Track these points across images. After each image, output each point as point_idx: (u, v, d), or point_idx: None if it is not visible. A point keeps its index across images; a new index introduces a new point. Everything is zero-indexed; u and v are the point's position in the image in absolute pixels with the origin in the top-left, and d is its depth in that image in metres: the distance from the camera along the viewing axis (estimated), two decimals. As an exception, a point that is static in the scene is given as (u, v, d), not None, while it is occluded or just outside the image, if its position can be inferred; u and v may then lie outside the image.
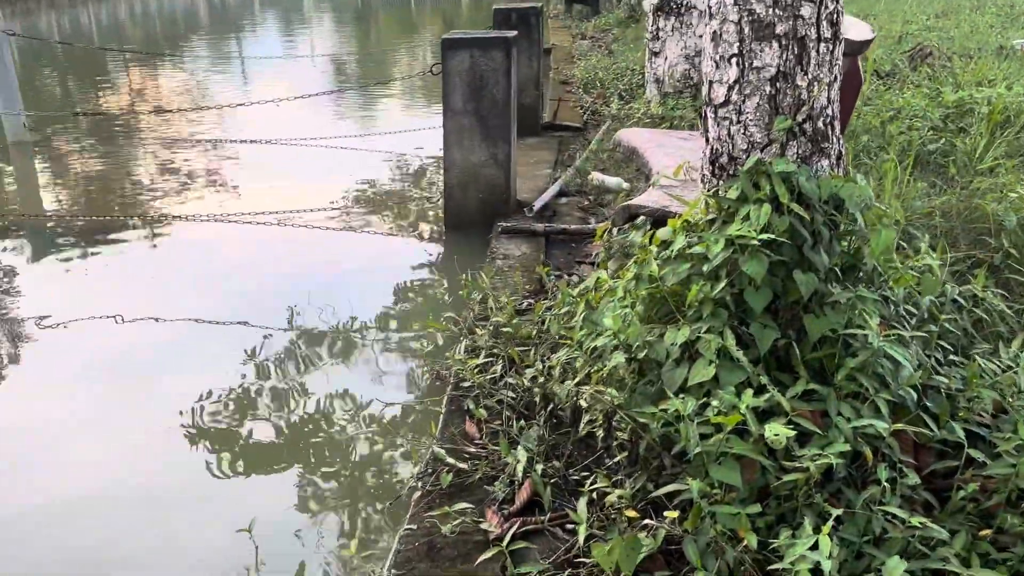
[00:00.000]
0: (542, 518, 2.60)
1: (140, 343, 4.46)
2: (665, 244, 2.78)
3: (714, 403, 2.28)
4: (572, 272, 4.62)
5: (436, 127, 5.93)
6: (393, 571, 2.45)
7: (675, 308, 2.63)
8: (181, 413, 3.74)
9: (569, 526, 2.57)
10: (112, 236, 6.10)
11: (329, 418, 3.76)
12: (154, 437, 3.60)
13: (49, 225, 6.47)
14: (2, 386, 4.11)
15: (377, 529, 3.00)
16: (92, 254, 5.80)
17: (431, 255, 5.72)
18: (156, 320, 4.67)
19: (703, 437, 2.25)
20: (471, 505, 2.67)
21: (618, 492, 2.44)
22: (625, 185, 5.71)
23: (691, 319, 2.54)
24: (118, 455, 3.48)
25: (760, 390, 2.35)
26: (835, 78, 2.64)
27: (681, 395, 2.36)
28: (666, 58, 7.70)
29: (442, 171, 5.70)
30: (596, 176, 5.91)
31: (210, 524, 3.06)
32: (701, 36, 7.40)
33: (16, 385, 4.13)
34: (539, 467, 2.77)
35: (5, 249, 5.91)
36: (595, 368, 2.72)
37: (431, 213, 6.52)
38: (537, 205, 5.54)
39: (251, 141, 8.57)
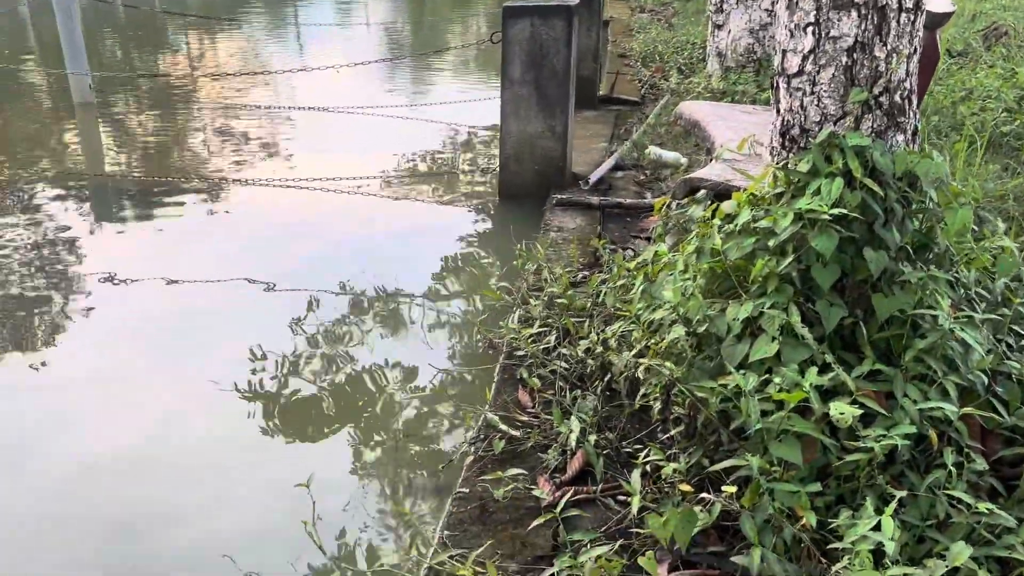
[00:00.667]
0: (594, 488, 2.60)
1: (195, 303, 4.53)
2: (729, 217, 2.73)
3: (776, 380, 2.24)
4: (627, 246, 4.58)
5: (490, 98, 5.90)
6: (446, 532, 2.47)
7: (737, 283, 2.58)
8: (235, 373, 3.80)
9: (621, 497, 2.56)
10: (169, 198, 6.20)
11: (381, 382, 3.79)
12: (208, 395, 3.66)
13: (111, 185, 6.61)
14: (62, 340, 4.21)
15: (430, 491, 3.02)
16: (150, 215, 5.91)
17: (484, 226, 5.71)
18: (211, 281, 4.75)
19: (764, 414, 2.22)
20: (523, 471, 2.67)
21: (673, 465, 2.42)
22: (683, 160, 5.63)
23: (754, 294, 2.49)
24: (173, 410, 3.55)
25: (824, 368, 2.30)
26: (914, 50, 2.55)
27: (742, 371, 2.32)
28: (729, 31, 7.54)
29: (496, 142, 5.68)
30: (653, 150, 5.83)
31: (263, 481, 3.12)
32: (767, 10, 7.22)
33: (75, 340, 4.23)
34: (592, 438, 2.76)
35: (68, 208, 6.05)
36: (652, 341, 2.69)
37: (484, 184, 6.50)
38: (593, 178, 5.49)
39: (307, 108, 8.62)
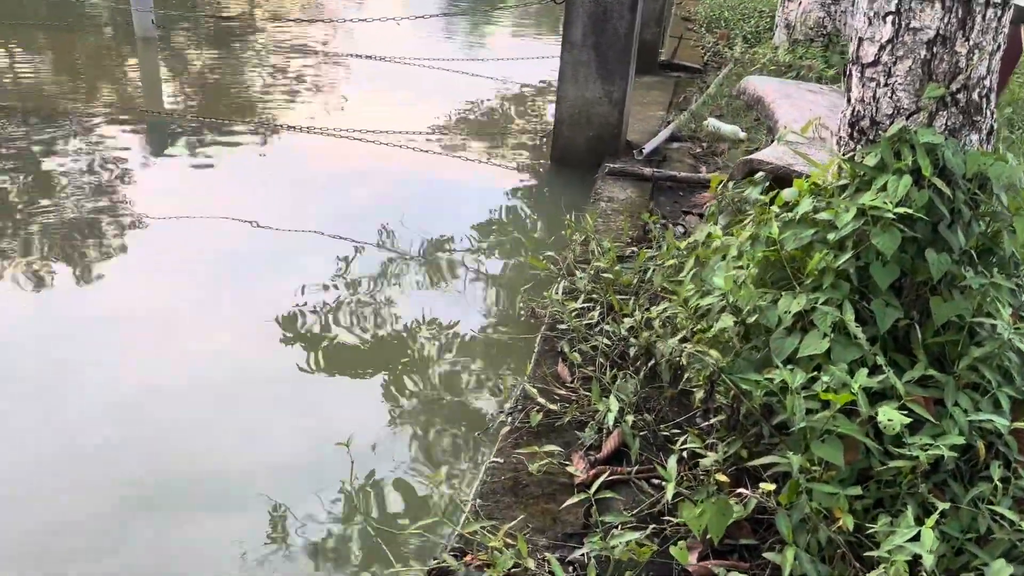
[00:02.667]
0: (628, 469, 2.60)
1: (242, 243, 4.60)
2: (788, 206, 2.67)
3: (824, 378, 2.20)
4: (678, 222, 4.52)
5: (546, 57, 5.80)
6: (478, 500, 2.50)
7: (792, 275, 2.53)
8: (276, 315, 3.86)
9: (655, 480, 2.56)
10: (223, 137, 6.26)
11: (419, 341, 3.81)
12: (249, 335, 3.72)
13: (168, 121, 6.68)
14: (110, 273, 4.28)
15: (464, 457, 3.05)
16: (203, 153, 5.98)
17: (533, 190, 5.68)
18: (258, 223, 4.79)
19: (808, 412, 2.18)
20: (559, 448, 2.68)
21: (712, 456, 2.40)
22: (742, 134, 5.51)
23: (808, 288, 2.44)
24: (214, 348, 3.60)
25: (874, 370, 2.25)
26: (998, 47, 2.44)
27: (789, 366, 2.29)
28: (800, 2, 7.31)
29: (550, 103, 5.60)
30: (712, 122, 5.71)
31: (294, 433, 3.17)
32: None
33: (123, 273, 4.30)
34: (629, 418, 2.75)
35: (124, 142, 6.13)
36: (699, 327, 2.66)
37: (535, 147, 6.45)
38: (647, 148, 5.41)
39: (364, 56, 8.59)
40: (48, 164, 5.57)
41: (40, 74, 7.78)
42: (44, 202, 4.98)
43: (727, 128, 5.65)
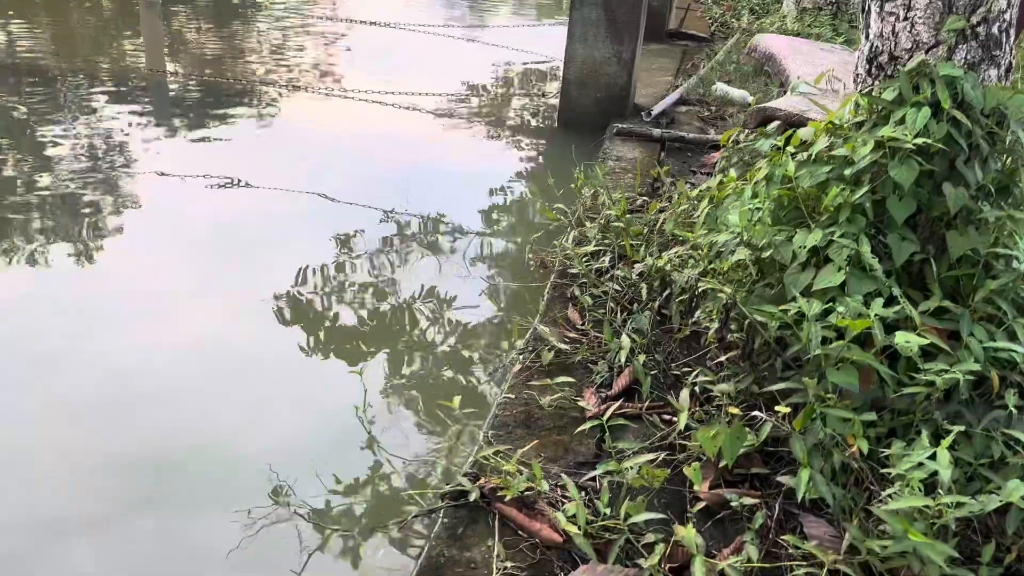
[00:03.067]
0: (640, 405, 2.61)
1: (244, 209, 4.56)
2: (804, 145, 2.66)
3: (840, 308, 2.20)
4: (687, 180, 4.51)
5: (555, 24, 5.78)
6: (491, 432, 2.50)
7: (807, 213, 2.52)
8: (286, 275, 3.84)
9: (666, 416, 2.57)
10: (225, 102, 6.23)
11: (432, 292, 3.81)
12: (256, 299, 3.65)
13: (170, 84, 6.64)
14: (110, 238, 4.24)
15: (477, 396, 3.06)
16: (205, 118, 5.95)
17: (540, 151, 5.66)
18: (261, 188, 4.78)
19: (824, 342, 2.19)
20: (571, 380, 2.68)
21: (723, 387, 2.41)
22: (750, 99, 5.49)
23: (824, 224, 2.44)
24: (218, 320, 3.52)
25: (889, 303, 2.25)
26: (1020, -19, 2.43)
27: (806, 299, 2.29)
28: (808, -28, 7.27)
29: (560, 67, 5.58)
30: (720, 87, 5.69)
31: (317, 372, 3.17)
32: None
33: (123, 238, 4.24)
34: (641, 357, 2.76)
35: (125, 105, 6.10)
36: (713, 264, 2.66)
37: (543, 110, 6.43)
38: (656, 110, 5.39)
39: (370, 22, 8.55)
40: (47, 128, 5.54)
41: (39, 37, 7.73)
42: (42, 168, 4.95)
43: (736, 93, 5.63)
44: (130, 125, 5.64)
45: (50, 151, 5.13)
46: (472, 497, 2.19)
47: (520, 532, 2.12)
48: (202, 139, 5.56)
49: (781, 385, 2.22)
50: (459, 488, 2.24)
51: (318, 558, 2.33)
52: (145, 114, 5.95)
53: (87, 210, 4.43)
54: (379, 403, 2.95)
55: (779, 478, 2.16)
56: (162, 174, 4.85)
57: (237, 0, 9.81)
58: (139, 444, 2.75)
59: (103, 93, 6.27)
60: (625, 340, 2.78)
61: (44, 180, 4.74)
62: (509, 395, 2.70)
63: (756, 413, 2.23)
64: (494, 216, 4.66)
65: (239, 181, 4.78)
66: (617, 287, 3.22)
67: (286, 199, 4.66)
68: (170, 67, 7.20)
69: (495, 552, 2.05)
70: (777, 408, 2.14)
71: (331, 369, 3.24)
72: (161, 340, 3.32)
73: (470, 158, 5.55)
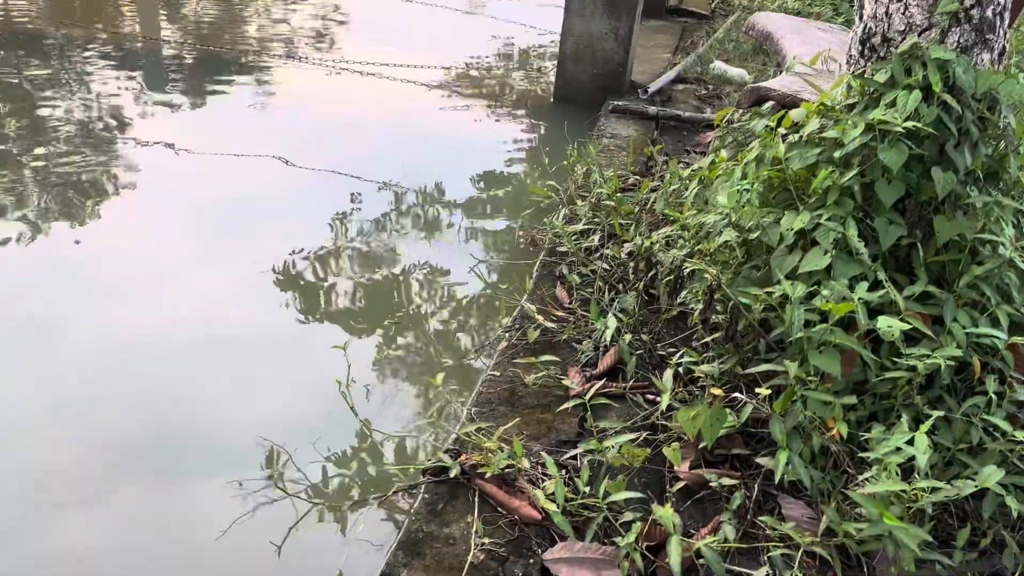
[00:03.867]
0: (624, 384, 2.61)
1: (240, 181, 4.53)
2: (795, 127, 2.64)
3: (824, 292, 2.20)
4: (681, 160, 4.49)
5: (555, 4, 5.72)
6: (474, 409, 2.51)
7: (796, 195, 2.51)
8: (277, 252, 3.81)
9: (650, 396, 2.57)
10: (220, 71, 6.17)
11: (420, 270, 3.80)
12: (249, 274, 3.63)
13: (165, 51, 6.58)
14: (104, 210, 4.20)
15: (462, 374, 3.06)
16: (200, 87, 5.90)
17: (535, 126, 5.63)
18: (256, 159, 4.74)
19: (807, 324, 2.19)
20: (556, 359, 2.68)
21: (706, 368, 2.41)
22: (748, 77, 5.45)
23: (812, 206, 2.43)
24: (212, 293, 3.50)
25: (874, 288, 2.25)
26: (1016, -35, 2.40)
27: (791, 281, 2.28)
28: (810, -50, 7.20)
29: (557, 42, 5.53)
30: (718, 65, 5.65)
31: (303, 346, 3.17)
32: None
33: (118, 210, 4.21)
34: (627, 336, 2.76)
35: (119, 73, 6.05)
36: (700, 245, 2.65)
37: (538, 86, 6.38)
38: (652, 87, 5.35)
39: (367, -8, 8.47)
40: (40, 95, 5.49)
41: (34, 1, 7.65)
42: (33, 136, 4.91)
43: (734, 72, 5.59)
44: (123, 92, 5.59)
45: (42, 119, 5.09)
46: (453, 473, 2.19)
47: (499, 509, 2.13)
48: (195, 108, 5.52)
49: (763, 367, 2.23)
50: (440, 464, 2.25)
51: (299, 531, 2.34)
52: (138, 82, 5.89)
53: (78, 179, 4.39)
54: (365, 378, 2.95)
55: (758, 459, 2.16)
56: (154, 143, 4.81)
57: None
58: (133, 414, 2.75)
59: (97, 59, 6.20)
60: (611, 319, 2.78)
61: (35, 148, 4.70)
62: (494, 372, 2.70)
63: (737, 395, 2.24)
64: (487, 192, 4.64)
65: (231, 152, 4.74)
66: (606, 266, 3.21)
67: (278, 170, 4.63)
68: (166, 34, 7.12)
69: (474, 528, 2.06)
70: (759, 390, 2.15)
71: (320, 341, 3.23)
72: (154, 312, 3.31)
73: (465, 132, 5.51)
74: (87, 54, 6.30)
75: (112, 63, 6.15)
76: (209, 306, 3.38)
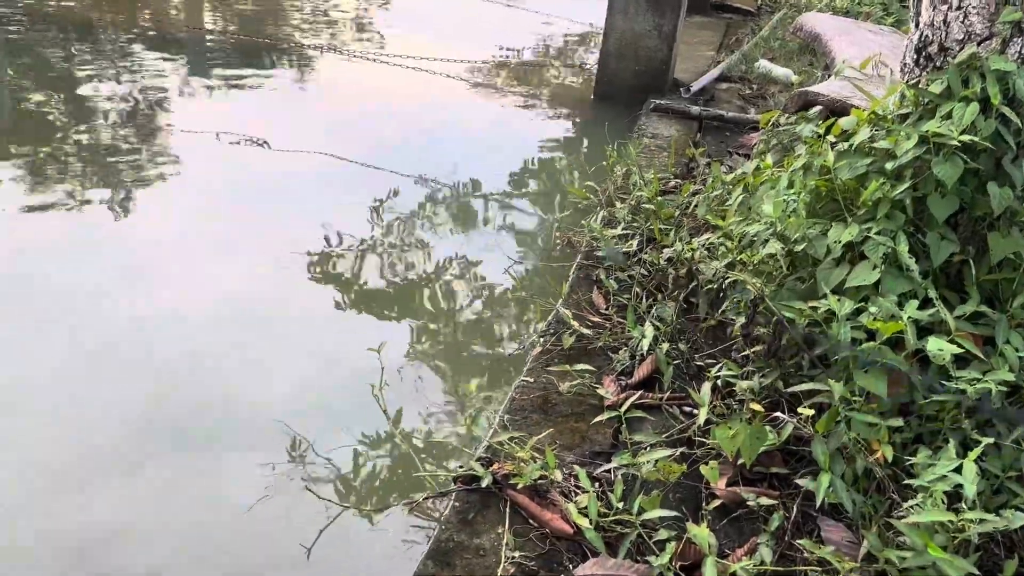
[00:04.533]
0: (660, 395, 2.56)
1: (276, 168, 4.54)
2: (845, 135, 2.56)
3: (872, 309, 2.13)
4: (724, 161, 4.41)
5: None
6: (507, 416, 2.48)
7: (844, 206, 2.44)
8: (310, 243, 3.81)
9: (686, 408, 2.52)
10: (261, 61, 6.20)
11: (453, 268, 3.78)
12: (281, 262, 3.65)
13: (207, 41, 6.62)
14: (144, 193, 4.25)
15: (495, 377, 3.03)
16: (241, 75, 5.93)
17: (573, 124, 5.57)
18: (294, 150, 4.74)
19: (853, 342, 2.12)
20: (591, 368, 2.64)
21: (747, 383, 2.35)
22: (794, 77, 5.35)
23: (861, 219, 2.35)
24: (240, 277, 3.53)
25: (924, 305, 2.18)
26: (1084, -28, 2.30)
27: (836, 296, 2.22)
28: (861, -53, 7.04)
29: (597, 42, 5.47)
30: (763, 64, 5.55)
31: (331, 348, 3.16)
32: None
33: (157, 193, 4.26)
34: (664, 346, 2.70)
35: (162, 60, 6.09)
36: (743, 255, 2.59)
37: (578, 82, 6.32)
38: (695, 86, 5.27)
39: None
40: (85, 80, 5.55)
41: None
42: (76, 120, 4.97)
43: (779, 71, 5.48)
44: (165, 79, 5.64)
45: (85, 103, 5.15)
46: (484, 482, 2.17)
47: (531, 521, 2.10)
48: (235, 97, 5.55)
49: (806, 385, 2.17)
50: (471, 472, 2.22)
51: (328, 532, 2.33)
52: (181, 70, 5.94)
53: (118, 163, 4.45)
54: (395, 377, 2.93)
55: (798, 480, 2.11)
56: (193, 131, 4.84)
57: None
58: (162, 393, 2.80)
59: (141, 47, 6.26)
60: (648, 328, 2.73)
61: (77, 132, 4.76)
62: (527, 379, 2.67)
63: (778, 414, 2.18)
64: (523, 190, 4.60)
65: (267, 142, 4.76)
66: (644, 272, 3.16)
67: (315, 161, 4.64)
68: (209, 23, 7.17)
69: (504, 540, 2.03)
70: (800, 409, 2.09)
71: (352, 334, 3.24)
72: (186, 292, 3.36)
73: (502, 128, 5.48)
74: (131, 41, 6.37)
75: (154, 50, 6.20)
76: (242, 289, 3.41)
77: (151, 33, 6.60)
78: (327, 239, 3.84)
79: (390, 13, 7.98)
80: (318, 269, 3.64)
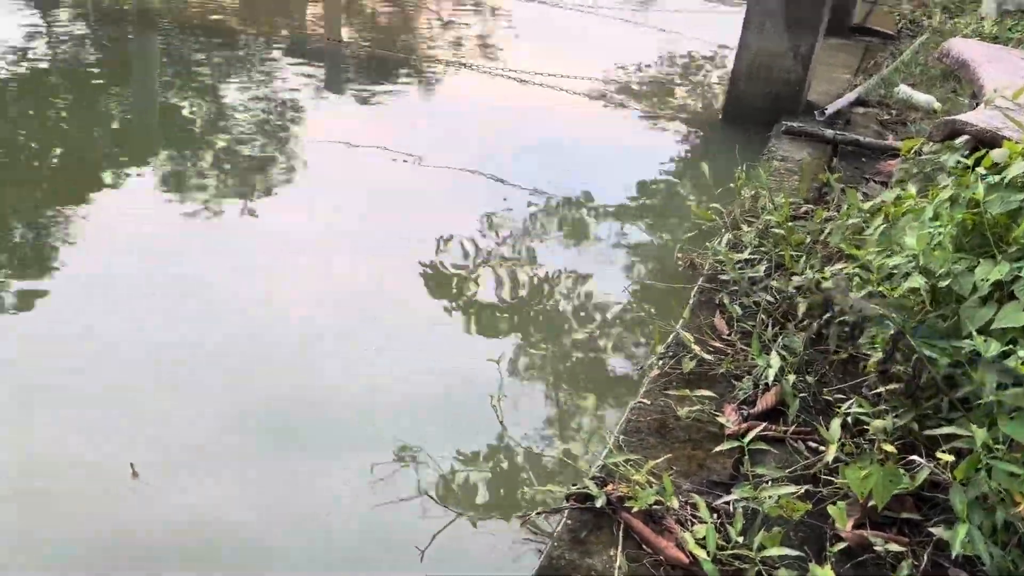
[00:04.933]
0: (784, 428, 2.48)
1: (397, 177, 4.65)
2: (996, 168, 2.43)
3: (1021, 352, 2.01)
4: (859, 188, 4.24)
5: (729, 11, 5.56)
6: (622, 436, 2.45)
7: (994, 242, 2.31)
8: (427, 252, 3.86)
9: (812, 444, 2.43)
10: (391, 73, 6.39)
11: (570, 282, 3.77)
12: (398, 269, 3.73)
13: (344, 52, 6.88)
14: (277, 195, 4.43)
15: (610, 396, 3.01)
16: (374, 86, 6.13)
17: (699, 143, 5.49)
18: (418, 157, 4.85)
19: (999, 387, 2.00)
20: (712, 395, 2.59)
21: (880, 423, 2.25)
22: (936, 104, 5.10)
23: (1012, 256, 2.22)
24: (360, 281, 3.61)
25: (1081, 351, 2.03)
26: None
27: (982, 337, 2.10)
28: (1017, -31, 6.66)
29: (726, 62, 5.37)
30: (903, 90, 5.32)
31: (447, 355, 3.21)
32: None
33: (289, 196, 4.43)
34: (791, 377, 2.61)
35: (301, 70, 6.36)
36: (883, 288, 2.48)
37: (704, 102, 6.22)
38: (830, 109, 5.10)
39: (534, 1, 8.54)
40: (225, 88, 5.86)
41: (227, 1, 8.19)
42: (216, 125, 5.24)
43: (921, 97, 5.24)
44: (301, 89, 5.89)
45: (225, 110, 5.43)
46: (598, 502, 2.15)
47: (644, 546, 2.06)
48: (365, 108, 5.74)
49: (946, 429, 2.05)
50: (585, 491, 2.21)
51: (442, 537, 2.36)
52: (317, 80, 6.19)
53: (253, 163, 4.69)
54: (509, 387, 2.95)
55: (932, 528, 2.00)
56: (324, 136, 5.03)
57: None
58: (277, 387, 2.91)
59: (280, 57, 6.57)
60: (774, 357, 2.65)
61: (217, 136, 5.03)
62: (644, 400, 2.63)
63: (914, 457, 2.07)
64: (644, 207, 4.56)
65: (393, 150, 4.89)
66: (770, 299, 3.07)
67: (434, 168, 4.74)
68: (345, 36, 7.46)
69: (617, 563, 2.00)
70: (938, 453, 1.98)
71: (465, 343, 3.29)
72: (307, 292, 3.48)
73: (624, 144, 5.45)
74: (271, 51, 6.69)
75: (293, 61, 6.49)
76: (358, 293, 3.51)
77: (291, 44, 6.91)
78: (446, 247, 3.91)
79: (514, 28, 8.08)
80: (436, 277, 3.70)
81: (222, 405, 2.81)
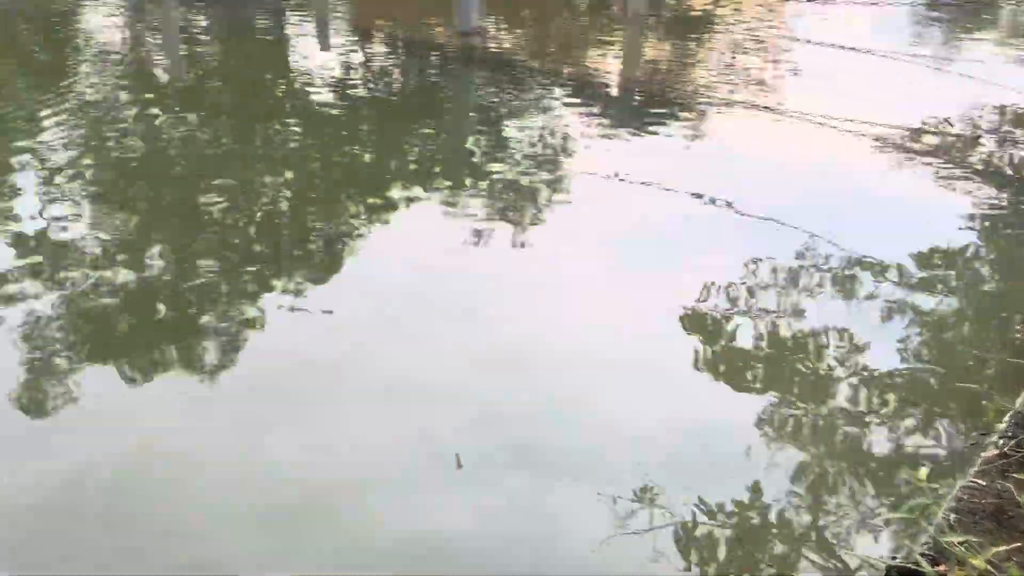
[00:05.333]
0: None
1: (665, 214, 4.65)
2: None
3: None
4: None
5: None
6: (952, 516, 2.28)
7: None
8: (685, 293, 3.79)
9: None
10: (665, 111, 6.44)
11: (849, 338, 3.54)
12: (659, 306, 3.71)
13: (622, 91, 7.13)
14: (544, 225, 4.59)
15: (937, 469, 2.78)
16: (646, 125, 6.16)
17: (1009, 207, 4.98)
18: (690, 195, 4.80)
19: None
20: (1061, 486, 2.34)
21: None
22: None
23: None
24: (617, 316, 3.63)
25: None
26: None
27: None
28: None
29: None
30: None
31: (710, 382, 3.21)
32: None
33: (556, 226, 4.57)
34: None
35: (579, 111, 6.59)
36: None
37: (1014, 160, 5.67)
38: None
39: (824, 44, 8.28)
40: (508, 118, 6.22)
41: (520, 37, 8.69)
42: (499, 153, 5.59)
43: None
44: (577, 123, 6.14)
45: (506, 138, 5.80)
46: (929, 582, 2.01)
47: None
48: (635, 143, 5.79)
49: None
50: (914, 567, 2.07)
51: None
52: (593, 116, 6.38)
53: (523, 192, 4.93)
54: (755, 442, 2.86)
55: None
56: (594, 171, 5.12)
57: (698, 14, 10.12)
58: (515, 405, 3.05)
59: (562, 93, 6.90)
60: None
61: (494, 163, 5.39)
62: (978, 480, 2.43)
63: None
64: (937, 269, 4.16)
65: (662, 186, 4.88)
66: None
67: (703, 208, 4.68)
68: (627, 75, 7.68)
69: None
70: None
71: (715, 390, 3.23)
72: (557, 320, 3.59)
73: (913, 198, 5.06)
74: (554, 86, 7.05)
75: (574, 96, 6.79)
76: (611, 326, 3.53)
77: (571, 80, 7.25)
78: (709, 289, 3.82)
79: (798, 72, 7.83)
80: (690, 319, 3.64)
81: (467, 418, 2.96)
